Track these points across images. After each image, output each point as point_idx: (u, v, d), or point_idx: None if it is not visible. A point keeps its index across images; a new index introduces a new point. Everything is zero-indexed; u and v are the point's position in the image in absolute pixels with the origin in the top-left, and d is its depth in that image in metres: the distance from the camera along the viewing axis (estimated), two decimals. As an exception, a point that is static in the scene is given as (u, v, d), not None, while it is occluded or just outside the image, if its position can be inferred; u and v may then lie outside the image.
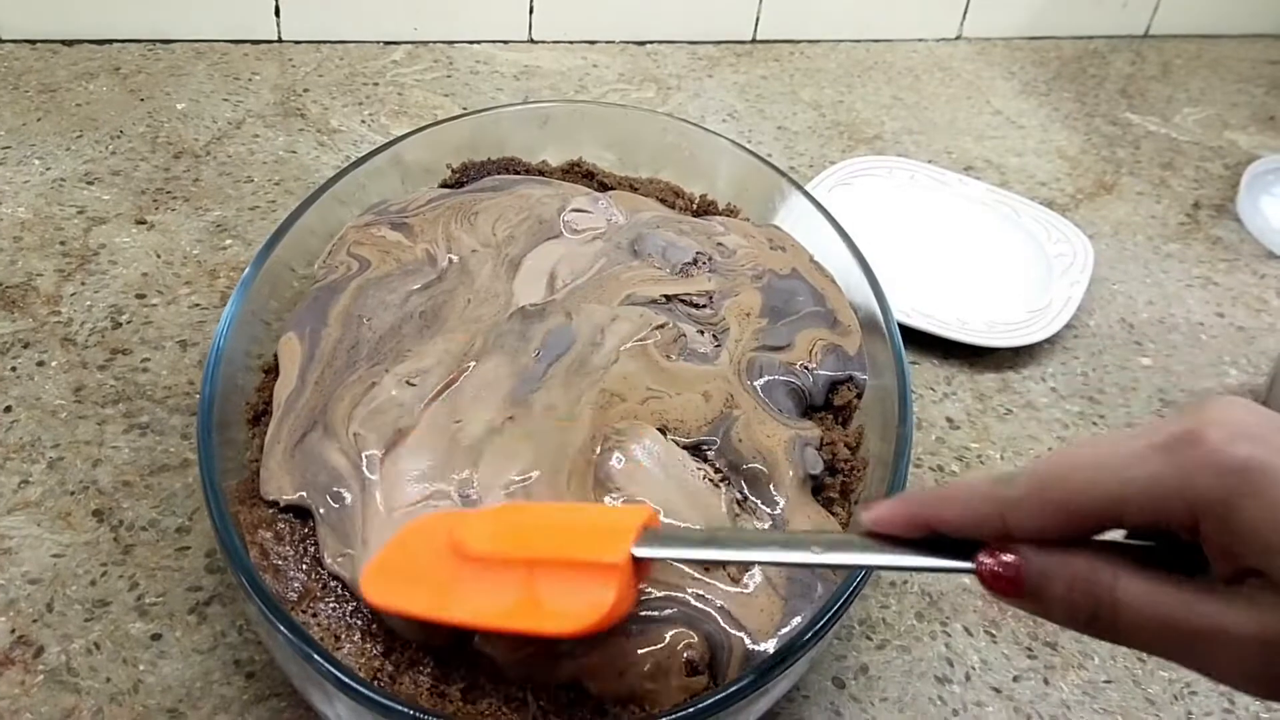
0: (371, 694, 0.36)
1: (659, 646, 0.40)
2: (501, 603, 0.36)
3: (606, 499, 0.43)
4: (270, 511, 0.44)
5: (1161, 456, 0.26)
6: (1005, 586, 0.29)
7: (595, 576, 0.35)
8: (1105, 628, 0.28)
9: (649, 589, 0.41)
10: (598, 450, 0.45)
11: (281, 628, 0.38)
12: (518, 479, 0.44)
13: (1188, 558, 0.27)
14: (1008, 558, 0.29)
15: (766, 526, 0.44)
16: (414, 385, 0.47)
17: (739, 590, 0.42)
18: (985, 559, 0.29)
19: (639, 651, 0.39)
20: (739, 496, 0.45)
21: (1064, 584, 0.28)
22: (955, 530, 0.30)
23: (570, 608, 0.34)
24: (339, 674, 0.37)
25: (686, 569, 0.42)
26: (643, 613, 0.40)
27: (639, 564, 0.35)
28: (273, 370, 0.50)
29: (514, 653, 0.39)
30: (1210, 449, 0.26)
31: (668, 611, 0.40)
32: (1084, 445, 0.28)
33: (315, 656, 0.37)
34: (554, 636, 0.35)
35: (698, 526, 0.42)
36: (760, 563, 0.42)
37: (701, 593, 0.41)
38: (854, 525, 0.39)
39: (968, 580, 0.54)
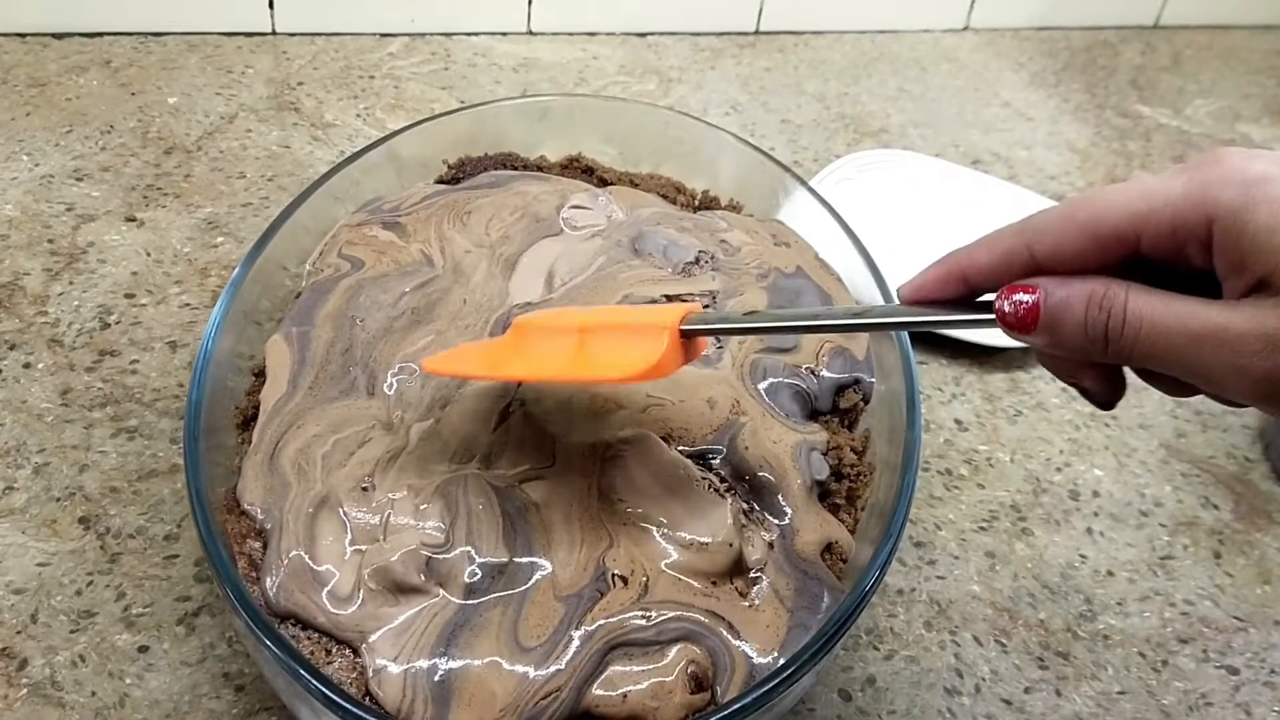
0: (360, 711, 0.35)
1: (662, 664, 0.38)
2: (557, 359, 0.39)
3: (612, 511, 0.42)
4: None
5: (1183, 176, 0.29)
6: (1024, 319, 0.30)
7: (647, 335, 0.37)
8: (1115, 342, 0.29)
9: (650, 607, 0.39)
10: (601, 460, 0.44)
11: (269, 642, 0.36)
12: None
13: (1199, 286, 0.29)
14: (1025, 293, 0.30)
15: (774, 537, 0.43)
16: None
17: (744, 604, 0.41)
18: (1004, 298, 0.30)
19: (641, 670, 0.38)
20: (745, 506, 0.44)
21: (1081, 303, 0.29)
22: (987, 274, 0.32)
23: (623, 358, 0.37)
24: (327, 690, 0.35)
25: (693, 583, 0.41)
26: (647, 632, 0.39)
27: (685, 342, 0.37)
28: (263, 373, 0.49)
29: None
30: (1228, 164, 0.28)
31: (672, 628, 0.39)
32: (1112, 185, 0.30)
33: (303, 672, 0.36)
34: (605, 381, 0.39)
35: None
36: (803, 330, 0.43)
37: (706, 607, 0.40)
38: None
39: (977, 587, 0.53)
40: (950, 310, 0.33)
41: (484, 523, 0.41)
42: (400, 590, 0.40)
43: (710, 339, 0.41)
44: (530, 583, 0.40)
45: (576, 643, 0.39)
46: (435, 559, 0.40)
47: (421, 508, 0.42)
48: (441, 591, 0.40)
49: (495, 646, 0.39)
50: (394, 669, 0.38)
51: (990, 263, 0.32)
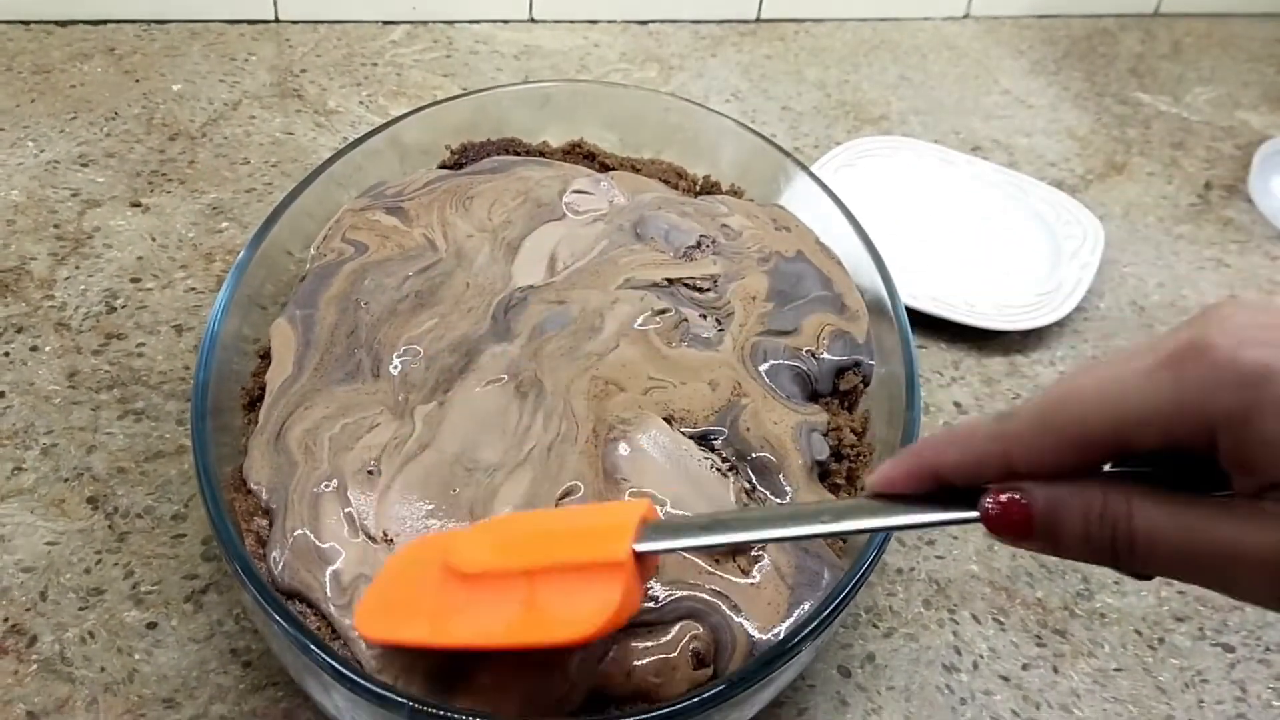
0: (369, 684, 0.36)
1: (665, 641, 0.39)
2: (505, 618, 0.34)
3: (616, 491, 0.43)
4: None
5: (1168, 374, 0.25)
6: (1014, 526, 0.28)
7: (599, 578, 0.33)
8: (1125, 558, 0.26)
9: (654, 585, 0.40)
10: (603, 442, 0.44)
11: (277, 617, 0.37)
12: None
13: (1199, 476, 0.26)
14: (1012, 494, 0.27)
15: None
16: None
17: (746, 582, 0.41)
18: (988, 500, 0.28)
19: (645, 647, 0.39)
20: (747, 485, 0.44)
21: (1079, 517, 0.27)
22: (959, 474, 0.29)
23: (577, 614, 0.33)
24: (336, 664, 0.36)
25: (697, 561, 0.41)
26: (652, 612, 0.39)
27: (642, 560, 0.34)
28: (269, 355, 0.49)
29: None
30: (1220, 359, 0.24)
31: (674, 606, 0.40)
32: (1086, 370, 0.27)
33: (312, 646, 0.36)
34: (563, 645, 0.34)
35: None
36: (769, 540, 0.40)
37: (708, 585, 0.41)
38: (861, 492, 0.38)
39: (975, 567, 0.54)
40: (927, 508, 0.30)
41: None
42: None
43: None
44: None
45: None
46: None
47: (426, 507, 0.42)
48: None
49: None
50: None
51: (962, 465, 0.29)
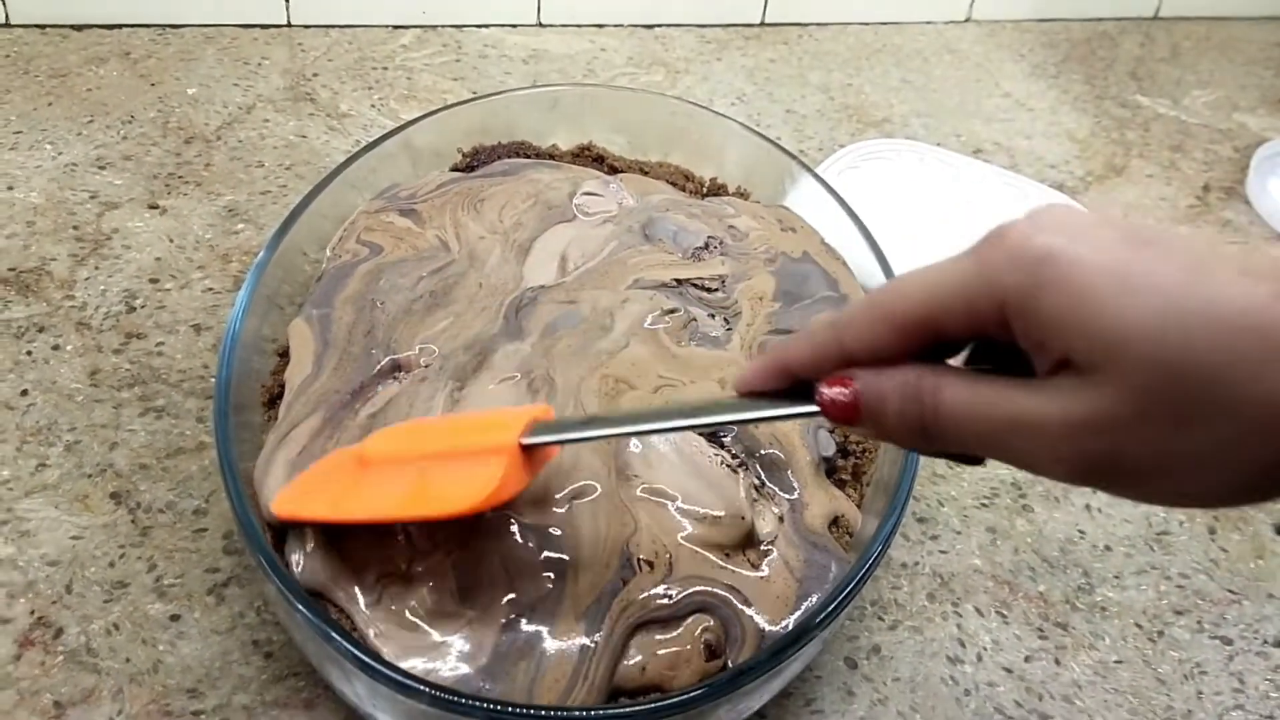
0: (390, 672, 0.37)
1: (678, 634, 0.40)
2: (396, 495, 0.38)
3: (628, 487, 0.44)
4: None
5: (969, 260, 0.27)
6: (845, 411, 0.30)
7: (483, 461, 0.37)
8: (934, 433, 0.29)
9: (668, 581, 0.41)
10: (615, 440, 0.45)
11: (300, 607, 0.38)
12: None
13: (1014, 364, 0.28)
14: (842, 386, 0.30)
15: (784, 511, 0.45)
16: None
17: (756, 575, 0.42)
18: (823, 389, 0.31)
19: (659, 640, 0.40)
20: (756, 481, 0.45)
21: (896, 396, 0.29)
22: (805, 367, 0.32)
23: (461, 490, 0.37)
24: (357, 653, 0.37)
25: (709, 556, 0.42)
26: (667, 609, 0.41)
27: (530, 454, 0.37)
28: (287, 354, 0.50)
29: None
30: (1011, 244, 0.26)
31: (687, 601, 0.41)
32: (917, 269, 0.29)
33: (334, 635, 0.37)
34: (443, 518, 0.38)
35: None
36: (636, 433, 0.44)
37: (720, 579, 0.42)
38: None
39: (979, 561, 0.55)
40: (782, 402, 0.33)
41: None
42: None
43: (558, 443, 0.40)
44: (561, 595, 0.41)
45: (604, 630, 0.40)
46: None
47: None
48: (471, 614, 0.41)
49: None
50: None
51: (806, 356, 0.31)
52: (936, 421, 0.28)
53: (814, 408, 0.31)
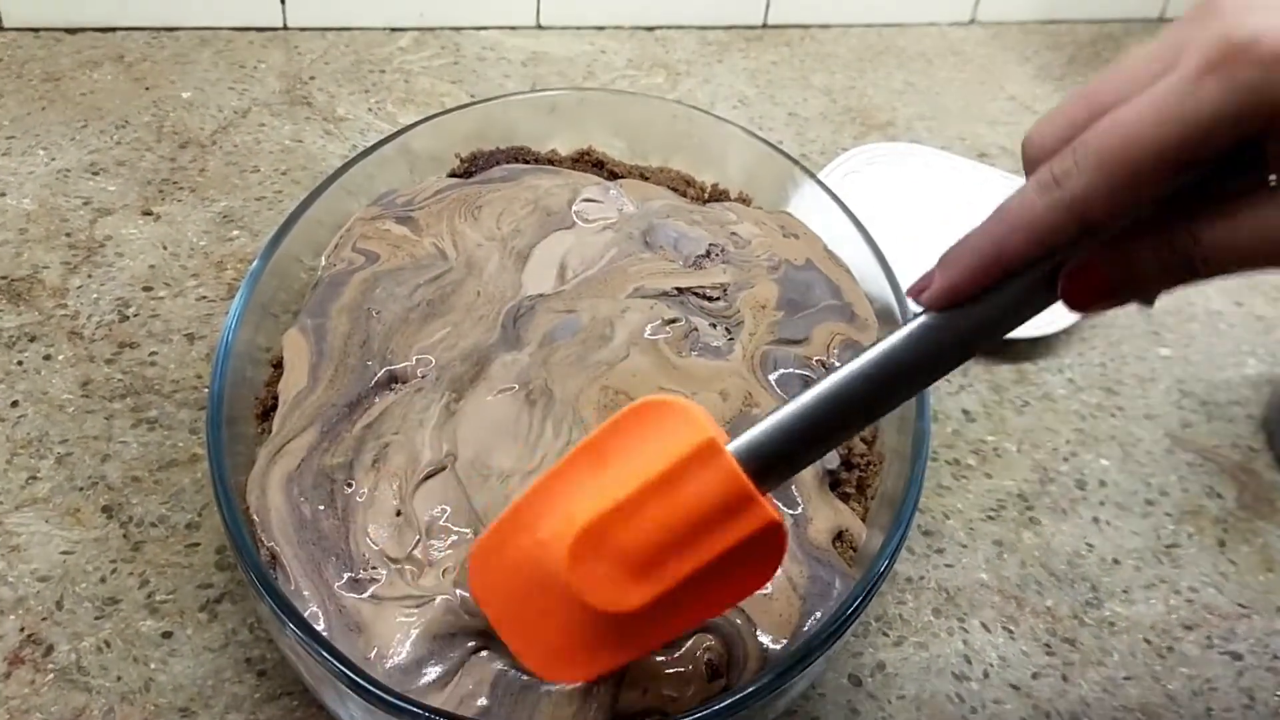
0: (384, 694, 0.36)
1: (680, 655, 0.39)
2: (684, 618, 0.34)
3: None
4: (280, 509, 0.43)
5: (1215, 82, 0.24)
6: (1095, 294, 0.28)
7: (756, 548, 0.32)
8: (1201, 273, 0.27)
9: None
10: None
11: (293, 626, 0.37)
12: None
13: (1235, 173, 0.26)
14: (1081, 266, 0.28)
15: (788, 525, 0.44)
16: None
17: (759, 593, 0.41)
18: (1064, 281, 0.28)
19: (660, 662, 0.39)
20: (759, 497, 0.44)
21: (1151, 258, 0.27)
22: (1026, 257, 0.28)
23: (749, 580, 0.34)
24: (351, 674, 0.36)
25: None
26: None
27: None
28: (282, 364, 0.49)
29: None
30: (1266, 54, 0.23)
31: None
32: (1118, 104, 0.26)
33: (328, 656, 0.36)
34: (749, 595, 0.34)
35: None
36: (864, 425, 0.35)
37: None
38: (911, 316, 0.33)
39: (985, 575, 0.54)
40: (996, 300, 0.29)
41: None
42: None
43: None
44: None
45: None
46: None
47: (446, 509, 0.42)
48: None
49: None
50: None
51: (1030, 243, 0.28)
52: (1206, 263, 0.27)
53: (1044, 295, 0.28)
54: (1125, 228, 0.28)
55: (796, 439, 0.32)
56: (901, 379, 0.32)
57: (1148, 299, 0.29)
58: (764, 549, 0.32)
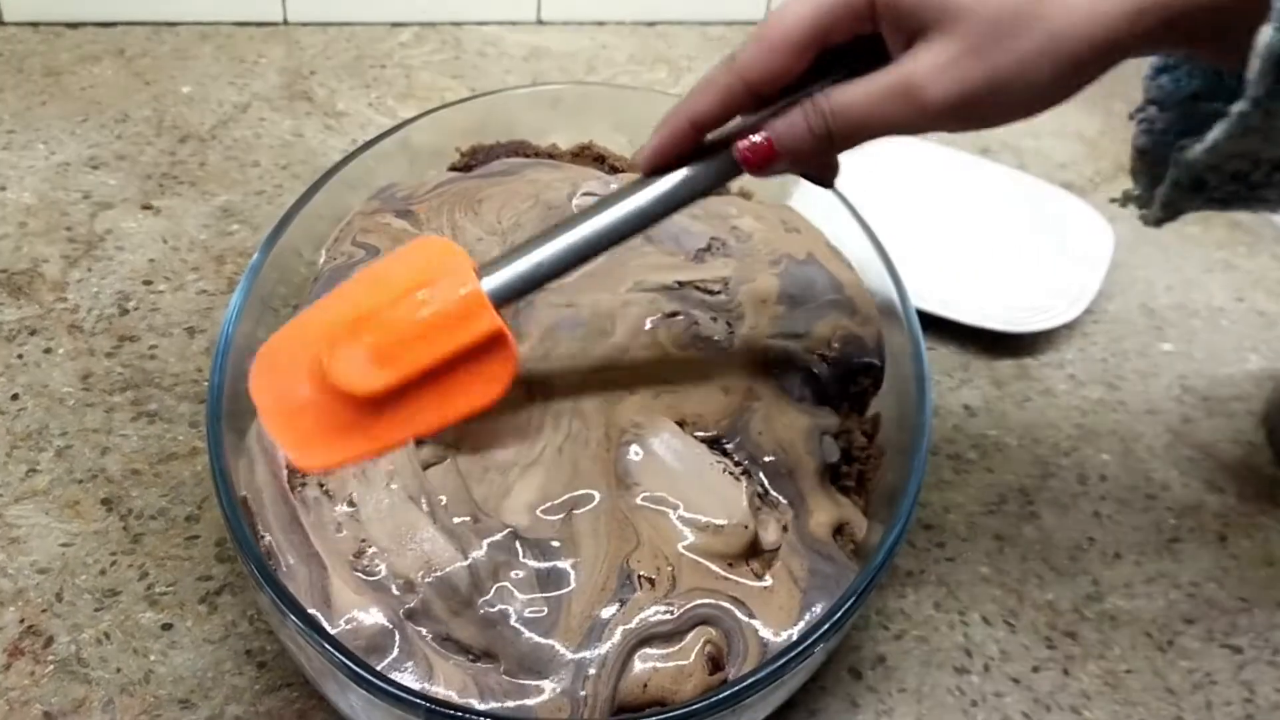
0: (385, 685, 0.36)
1: (680, 648, 0.39)
2: (423, 413, 0.38)
3: (628, 496, 0.43)
4: (280, 501, 0.43)
5: None
6: (764, 153, 0.36)
7: (489, 354, 0.38)
8: (837, 133, 0.35)
9: (670, 596, 0.40)
10: (615, 445, 0.44)
11: (293, 617, 0.37)
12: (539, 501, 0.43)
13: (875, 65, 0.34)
14: (753, 134, 0.36)
15: (788, 520, 0.44)
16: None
17: (759, 585, 0.41)
18: (740, 143, 0.36)
19: (662, 654, 0.39)
20: (760, 490, 0.44)
21: (801, 121, 0.35)
22: (713, 117, 0.36)
23: (482, 388, 0.38)
24: (352, 665, 0.36)
25: (712, 568, 0.41)
26: (670, 624, 0.40)
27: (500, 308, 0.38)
28: (282, 358, 0.49)
29: None
30: None
31: (689, 615, 0.40)
32: None
33: (328, 647, 0.36)
34: (479, 411, 0.38)
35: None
36: (584, 255, 0.40)
37: (722, 589, 0.41)
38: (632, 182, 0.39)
39: (985, 569, 0.54)
40: (696, 168, 0.36)
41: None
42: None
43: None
44: (559, 611, 0.40)
45: (605, 650, 0.39)
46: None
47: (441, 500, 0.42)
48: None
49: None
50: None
51: (713, 105, 0.36)
52: (836, 120, 0.35)
53: (732, 161, 0.36)
54: (785, 100, 0.36)
55: (527, 284, 0.39)
56: (618, 236, 0.39)
57: (812, 170, 0.39)
58: (495, 360, 0.38)
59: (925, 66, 0.33)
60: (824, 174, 0.40)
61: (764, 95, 0.36)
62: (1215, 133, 0.33)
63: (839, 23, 0.35)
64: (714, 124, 0.37)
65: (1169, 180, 0.38)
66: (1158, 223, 0.42)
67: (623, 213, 0.38)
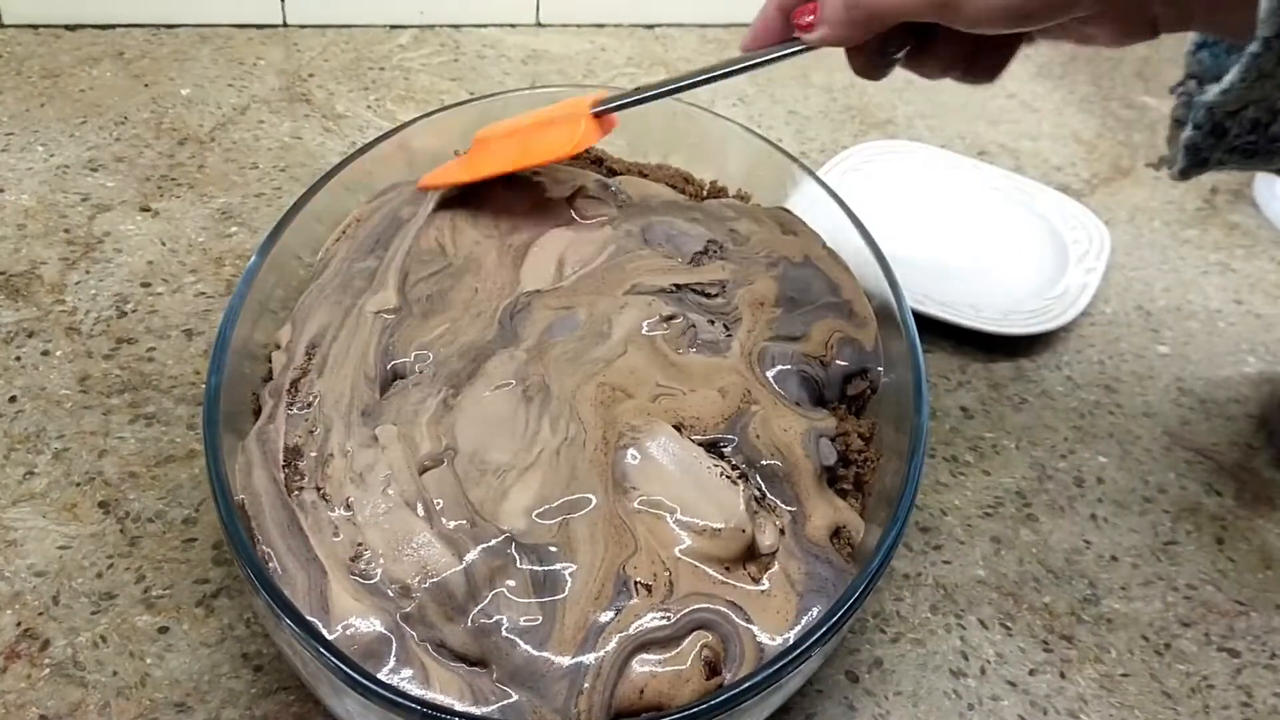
0: (381, 690, 0.36)
1: (677, 653, 0.39)
2: (509, 154, 0.53)
3: (625, 499, 0.43)
4: (277, 504, 0.43)
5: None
6: (810, 16, 0.42)
7: (568, 124, 0.51)
8: (865, 11, 0.40)
9: (667, 602, 0.40)
10: (612, 448, 0.44)
11: (289, 622, 0.37)
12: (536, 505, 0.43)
13: None
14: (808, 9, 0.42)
15: (785, 523, 0.44)
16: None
17: (756, 590, 0.41)
18: (797, 17, 0.43)
19: (659, 660, 0.39)
20: (757, 493, 0.44)
21: (840, 3, 0.41)
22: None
23: (555, 142, 0.51)
24: (347, 669, 0.36)
25: (709, 572, 0.41)
26: (667, 630, 0.40)
27: (600, 120, 0.51)
28: (280, 360, 0.49)
29: None
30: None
31: (686, 620, 0.40)
32: None
33: (324, 652, 0.36)
34: (547, 162, 0.53)
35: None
36: (683, 88, 0.52)
37: (719, 594, 0.41)
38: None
39: (982, 572, 0.54)
40: (772, 48, 0.45)
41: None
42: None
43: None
44: (554, 618, 0.40)
45: (601, 657, 0.39)
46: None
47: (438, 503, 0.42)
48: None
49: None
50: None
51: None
52: (859, 2, 0.40)
53: (796, 41, 0.43)
54: None
55: (628, 100, 0.52)
56: (709, 78, 0.50)
57: (855, 32, 0.42)
58: (569, 126, 0.52)
59: None
60: (872, 64, 0.46)
61: None
62: (1231, 75, 0.34)
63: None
64: (796, 3, 0.42)
65: (1190, 124, 0.39)
66: (1183, 174, 0.42)
67: (719, 65, 0.49)
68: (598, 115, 0.50)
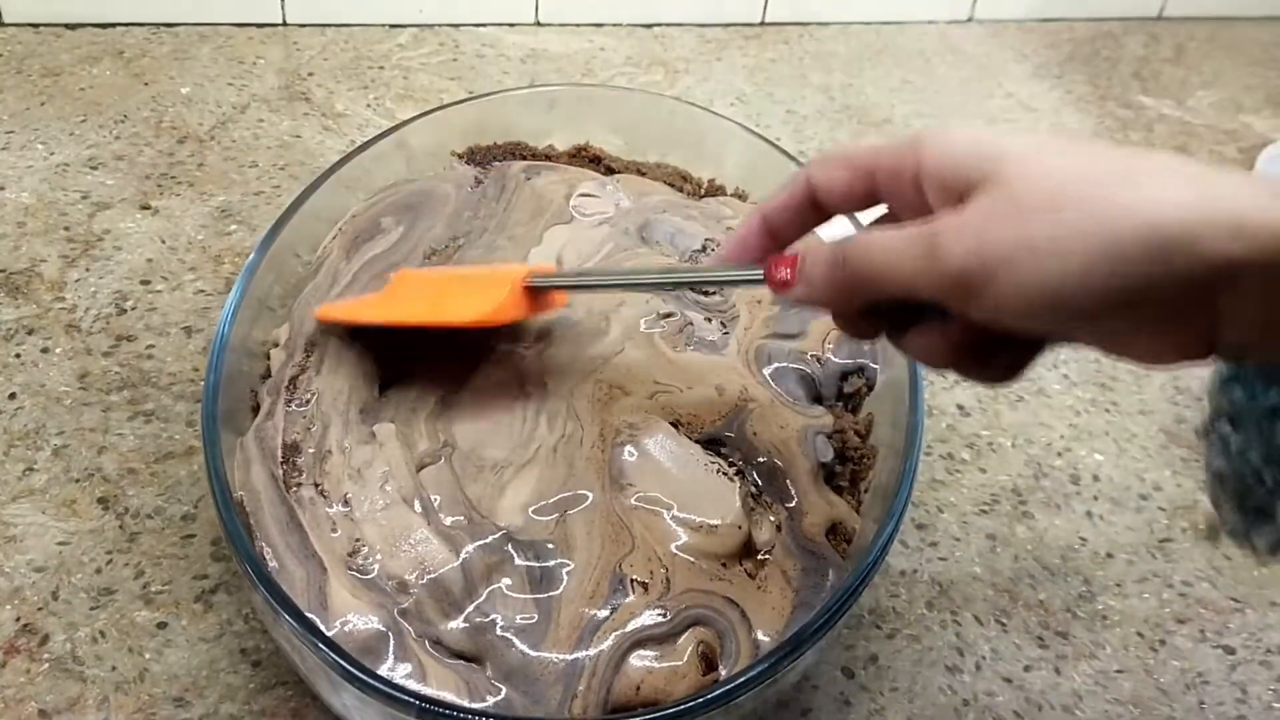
0: (378, 684, 0.36)
1: (675, 649, 0.39)
2: (419, 305, 0.47)
3: (622, 496, 0.43)
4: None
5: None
6: (788, 269, 0.35)
7: (491, 286, 0.44)
8: (853, 274, 0.32)
9: (665, 599, 0.40)
10: (609, 445, 0.44)
11: (287, 617, 0.37)
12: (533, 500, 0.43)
13: None
14: (789, 253, 0.35)
15: (782, 519, 0.44)
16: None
17: (753, 585, 0.42)
18: (774, 259, 0.35)
19: (656, 655, 0.39)
20: (754, 490, 0.45)
21: (825, 253, 0.33)
22: (781, 215, 0.37)
23: (471, 304, 0.44)
24: (344, 663, 0.36)
25: (707, 568, 0.41)
26: (664, 626, 0.40)
27: (532, 294, 0.44)
28: (279, 358, 0.49)
29: None
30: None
31: (683, 616, 0.40)
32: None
33: (322, 646, 0.37)
34: (455, 325, 0.45)
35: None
36: (623, 286, 0.50)
37: (715, 590, 0.41)
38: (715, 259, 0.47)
39: (978, 569, 0.54)
40: (738, 269, 0.38)
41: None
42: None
43: (567, 296, 0.49)
44: (551, 617, 0.40)
45: (597, 655, 0.39)
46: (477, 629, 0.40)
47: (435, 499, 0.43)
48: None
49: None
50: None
51: (781, 203, 0.37)
52: (852, 260, 0.32)
53: (758, 273, 0.36)
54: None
55: (560, 284, 0.46)
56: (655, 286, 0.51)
57: (827, 300, 0.35)
58: (493, 291, 0.45)
59: (954, 221, 0.29)
60: (860, 328, 0.36)
61: (825, 207, 0.36)
62: None
63: (885, 169, 0.34)
64: (782, 223, 0.37)
65: (1244, 483, 0.34)
66: (1272, 550, 0.38)
67: (664, 273, 0.47)
68: (531, 289, 0.44)
